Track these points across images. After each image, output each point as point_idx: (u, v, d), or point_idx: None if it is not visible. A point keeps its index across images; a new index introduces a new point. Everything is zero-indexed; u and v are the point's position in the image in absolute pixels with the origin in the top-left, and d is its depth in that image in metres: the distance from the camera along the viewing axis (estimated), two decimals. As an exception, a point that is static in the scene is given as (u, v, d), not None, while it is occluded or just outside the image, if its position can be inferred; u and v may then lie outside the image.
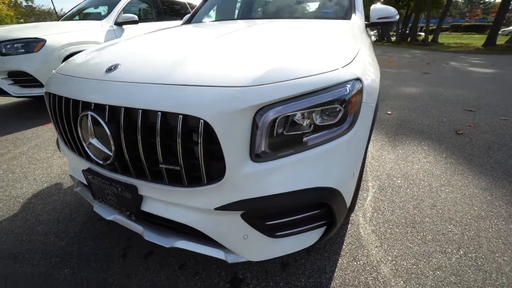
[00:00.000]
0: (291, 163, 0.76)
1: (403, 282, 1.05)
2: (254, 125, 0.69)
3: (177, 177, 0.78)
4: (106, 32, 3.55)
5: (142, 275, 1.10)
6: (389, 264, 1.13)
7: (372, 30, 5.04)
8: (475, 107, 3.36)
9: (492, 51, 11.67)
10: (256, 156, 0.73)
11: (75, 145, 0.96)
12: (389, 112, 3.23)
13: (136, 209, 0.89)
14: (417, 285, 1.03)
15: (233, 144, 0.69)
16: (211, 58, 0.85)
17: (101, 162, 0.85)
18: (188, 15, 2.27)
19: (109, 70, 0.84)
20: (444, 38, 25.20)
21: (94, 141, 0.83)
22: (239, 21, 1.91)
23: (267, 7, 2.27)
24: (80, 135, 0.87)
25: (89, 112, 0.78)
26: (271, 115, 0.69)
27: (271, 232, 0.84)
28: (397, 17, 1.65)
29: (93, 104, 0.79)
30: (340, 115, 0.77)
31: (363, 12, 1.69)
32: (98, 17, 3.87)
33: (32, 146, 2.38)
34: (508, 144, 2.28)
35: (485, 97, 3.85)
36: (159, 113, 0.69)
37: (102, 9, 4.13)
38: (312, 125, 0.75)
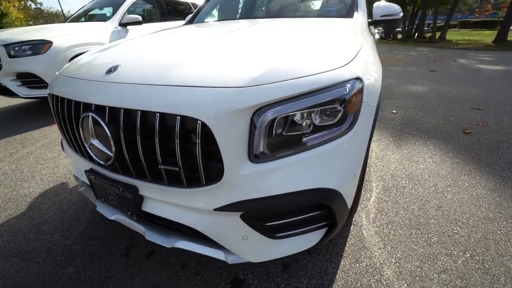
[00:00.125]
0: (290, 164, 0.75)
1: (407, 285, 1.03)
2: (252, 126, 0.69)
3: (176, 177, 0.78)
4: (110, 33, 3.60)
5: (145, 274, 1.11)
6: (393, 266, 1.11)
7: (377, 27, 4.97)
8: (483, 106, 3.28)
9: (503, 48, 11.35)
10: (254, 156, 0.72)
11: (78, 146, 0.98)
12: (394, 111, 3.18)
13: (137, 209, 0.89)
14: (421, 288, 1.01)
15: (231, 145, 0.69)
16: (209, 58, 0.85)
17: (102, 162, 0.86)
18: (190, 15, 2.28)
19: (109, 71, 0.85)
20: (452, 35, 24.64)
21: (95, 142, 0.84)
22: (241, 20, 1.91)
23: (269, 6, 2.25)
24: (82, 136, 0.88)
25: (90, 113, 0.79)
26: (269, 115, 0.68)
27: (271, 233, 0.84)
28: (401, 14, 1.62)
29: (93, 105, 0.80)
30: (339, 115, 0.76)
31: (365, 10, 1.66)
32: (103, 18, 3.92)
33: (39, 146, 2.43)
34: (518, 143, 2.22)
35: (494, 95, 3.75)
36: (157, 114, 0.70)
37: (108, 10, 4.19)
38: (312, 125, 0.74)
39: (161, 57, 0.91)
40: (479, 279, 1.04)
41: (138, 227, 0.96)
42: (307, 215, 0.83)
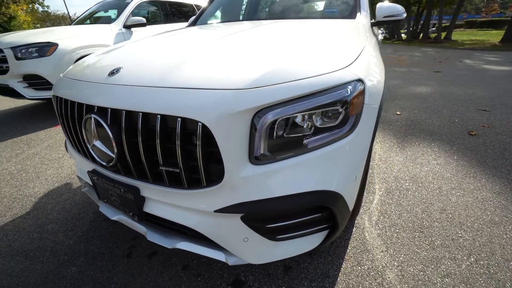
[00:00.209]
0: (291, 166, 0.75)
1: (409, 288, 1.02)
2: (253, 128, 0.69)
3: (177, 179, 0.79)
4: (115, 35, 3.64)
5: (146, 275, 1.11)
6: (395, 270, 1.10)
7: (380, 28, 4.93)
8: (490, 107, 3.23)
9: (510, 48, 11.16)
10: (255, 158, 0.72)
11: (81, 147, 0.99)
12: (398, 113, 3.15)
13: (139, 210, 0.90)
14: (424, 292, 1.00)
15: (232, 146, 0.69)
16: (210, 60, 0.85)
17: (104, 163, 0.87)
18: (193, 17, 2.29)
19: (112, 73, 0.86)
20: (458, 35, 24.35)
21: (98, 143, 0.85)
22: (243, 22, 1.91)
23: (272, 7, 2.26)
24: (85, 137, 0.89)
25: (93, 115, 0.80)
26: (269, 117, 0.68)
27: (271, 235, 0.84)
28: (404, 15, 1.60)
29: (96, 107, 0.81)
30: (341, 117, 0.75)
31: (368, 11, 1.65)
32: (108, 20, 3.96)
33: (44, 147, 2.47)
34: (525, 145, 2.18)
35: (501, 96, 3.69)
36: (159, 116, 0.70)
37: (112, 13, 4.24)
38: (313, 127, 0.74)
39: (163, 60, 0.92)
40: (483, 284, 1.03)
41: (140, 228, 0.97)
42: (308, 217, 0.82)
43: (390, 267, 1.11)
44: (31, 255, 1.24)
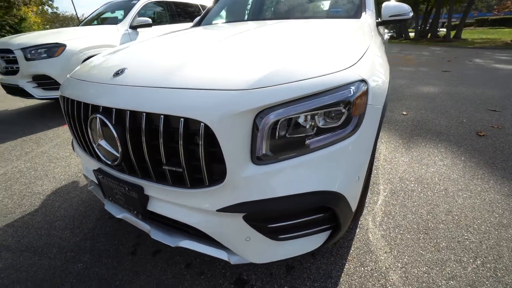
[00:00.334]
0: (293, 166, 0.75)
1: (413, 291, 1.01)
2: (255, 128, 0.69)
3: (180, 178, 0.80)
4: (121, 35, 3.69)
5: (150, 272, 1.13)
6: (399, 271, 1.09)
7: (387, 27, 4.85)
8: (500, 107, 3.15)
9: (522, 46, 10.86)
10: (257, 158, 0.73)
11: (87, 146, 1.01)
12: (404, 113, 3.11)
13: (143, 208, 0.91)
14: (428, 295, 0.99)
15: (234, 146, 0.70)
16: (214, 61, 0.86)
17: (109, 162, 0.89)
18: (198, 18, 2.31)
19: (117, 74, 0.87)
20: (468, 33, 23.81)
21: (103, 143, 0.86)
22: (248, 22, 1.91)
23: (277, 7, 2.25)
24: (91, 137, 0.91)
25: (98, 115, 0.81)
26: (271, 117, 0.68)
27: (274, 234, 0.84)
28: (411, 14, 1.58)
29: (101, 107, 0.82)
30: (344, 117, 0.75)
31: (374, 10, 1.64)
32: (115, 21, 4.02)
33: (52, 145, 2.52)
34: (536, 146, 2.12)
35: (511, 96, 3.60)
36: (162, 116, 0.71)
37: (119, 13, 4.30)
38: (315, 128, 0.74)
39: (167, 60, 0.93)
40: (490, 288, 1.01)
41: (144, 226, 0.98)
42: (310, 217, 0.82)
43: (393, 269, 1.10)
44: (39, 251, 1.27)
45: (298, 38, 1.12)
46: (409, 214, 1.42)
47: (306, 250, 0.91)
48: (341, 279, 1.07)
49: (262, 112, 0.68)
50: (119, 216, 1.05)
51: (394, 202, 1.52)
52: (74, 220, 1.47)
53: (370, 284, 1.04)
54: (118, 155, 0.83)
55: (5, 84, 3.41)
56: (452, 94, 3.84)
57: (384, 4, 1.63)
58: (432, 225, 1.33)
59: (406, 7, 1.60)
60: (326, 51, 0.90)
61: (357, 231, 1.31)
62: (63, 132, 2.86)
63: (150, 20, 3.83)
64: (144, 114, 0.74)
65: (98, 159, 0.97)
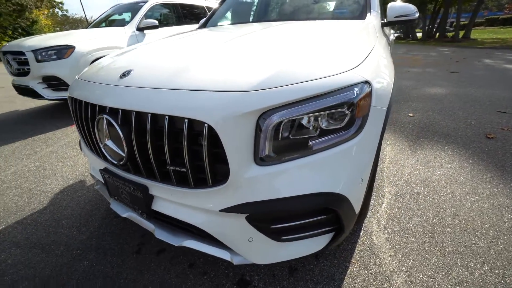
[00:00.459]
0: (296, 167, 0.75)
1: (418, 295, 0.99)
2: (258, 129, 0.69)
3: (184, 178, 0.80)
4: (128, 37, 3.76)
5: (154, 271, 1.14)
6: (403, 275, 1.07)
7: (393, 28, 4.79)
8: (510, 109, 3.08)
9: (534, 47, 10.59)
10: (260, 159, 0.73)
11: (93, 146, 1.03)
12: (411, 114, 3.06)
13: (147, 208, 0.93)
14: (433, 300, 0.97)
15: (237, 147, 0.70)
16: (218, 63, 0.87)
17: (115, 162, 0.90)
18: (203, 20, 2.33)
19: (123, 75, 0.89)
20: (478, 33, 23.35)
21: (109, 143, 0.88)
22: (253, 23, 1.93)
23: (282, 8, 2.26)
24: (97, 137, 0.92)
25: (104, 116, 0.83)
26: (275, 119, 0.69)
27: (276, 235, 0.84)
28: (417, 15, 1.56)
29: (108, 108, 0.84)
30: (347, 119, 0.75)
31: (379, 11, 1.62)
32: (122, 23, 4.09)
33: (61, 145, 2.58)
34: (547, 149, 2.06)
35: (522, 98, 3.52)
36: (166, 117, 0.72)
37: (126, 15, 4.37)
38: (318, 129, 0.74)
39: (172, 62, 0.95)
40: (498, 294, 0.98)
41: (148, 225, 1.00)
42: (313, 219, 0.82)
43: (398, 272, 1.09)
44: (47, 248, 1.30)
45: (302, 39, 1.12)
46: (415, 217, 1.40)
47: (309, 251, 0.91)
48: (344, 282, 1.06)
49: (265, 114, 0.68)
50: (124, 215, 1.07)
51: (399, 205, 1.50)
52: (81, 219, 1.50)
53: (373, 287, 1.03)
54: (124, 155, 0.84)
55: (17, 85, 3.51)
56: (460, 96, 3.77)
57: (390, 4, 1.62)
58: (438, 229, 1.31)
59: (411, 7, 1.58)
60: (330, 53, 0.90)
61: (361, 233, 1.30)
62: (71, 132, 2.92)
63: (156, 22, 3.89)
64: (149, 115, 0.75)
65: (105, 158, 0.99)
